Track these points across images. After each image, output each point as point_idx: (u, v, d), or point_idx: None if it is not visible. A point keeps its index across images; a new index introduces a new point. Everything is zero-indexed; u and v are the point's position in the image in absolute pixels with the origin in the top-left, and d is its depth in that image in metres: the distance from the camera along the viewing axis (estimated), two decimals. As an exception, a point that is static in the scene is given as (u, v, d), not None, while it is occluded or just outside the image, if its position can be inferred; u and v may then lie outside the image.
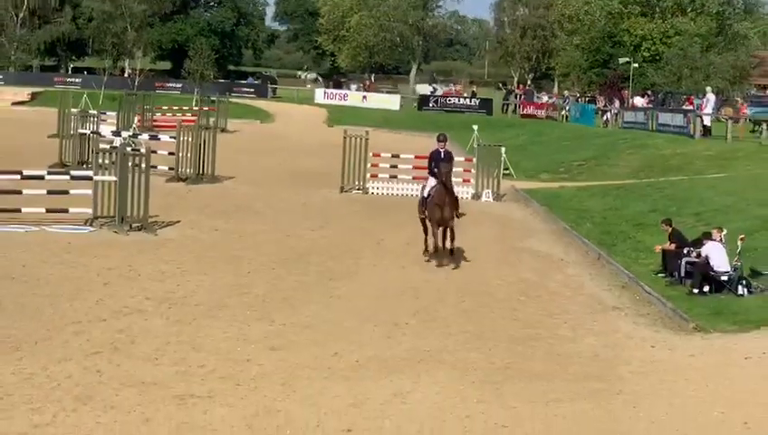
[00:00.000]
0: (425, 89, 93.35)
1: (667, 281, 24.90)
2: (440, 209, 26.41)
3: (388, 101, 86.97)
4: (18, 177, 28.78)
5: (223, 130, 58.73)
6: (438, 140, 28.03)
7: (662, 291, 24.01)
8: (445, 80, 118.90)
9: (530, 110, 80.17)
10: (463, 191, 39.70)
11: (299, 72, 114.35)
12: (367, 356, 18.50)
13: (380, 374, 17.49)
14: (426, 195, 27.07)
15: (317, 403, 15.85)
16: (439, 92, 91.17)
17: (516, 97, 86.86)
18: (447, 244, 26.95)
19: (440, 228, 26.61)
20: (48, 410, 14.75)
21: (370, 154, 40.11)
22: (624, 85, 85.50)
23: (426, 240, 27.23)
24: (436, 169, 27.14)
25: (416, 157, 40.75)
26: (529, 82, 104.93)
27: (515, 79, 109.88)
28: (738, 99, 67.45)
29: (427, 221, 26.98)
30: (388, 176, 40.21)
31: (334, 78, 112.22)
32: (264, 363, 17.59)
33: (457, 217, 27.19)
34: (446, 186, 26.60)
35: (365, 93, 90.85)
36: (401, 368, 17.90)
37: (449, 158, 27.49)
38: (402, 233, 30.79)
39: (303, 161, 49.95)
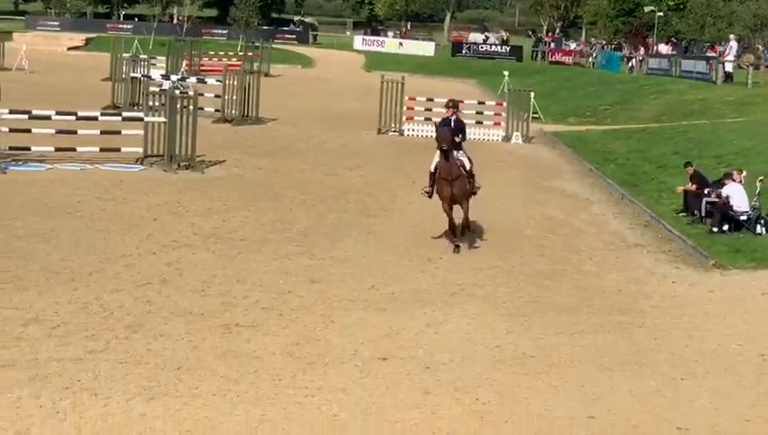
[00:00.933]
0: (477, 37, 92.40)
1: (688, 220, 24.75)
2: (449, 185, 21.65)
3: (423, 48, 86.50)
4: (73, 118, 28.81)
5: (266, 75, 58.61)
6: (447, 107, 22.57)
7: (683, 229, 23.88)
8: (490, 29, 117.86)
9: (558, 57, 79.59)
10: (493, 134, 39.56)
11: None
12: (401, 289, 18.51)
13: (414, 306, 17.51)
14: (432, 169, 22.24)
15: (354, 333, 15.88)
16: (492, 40, 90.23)
17: (545, 44, 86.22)
18: (464, 223, 22.35)
19: (453, 206, 21.92)
20: (102, 338, 14.84)
21: (406, 98, 39.93)
22: (649, 33, 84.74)
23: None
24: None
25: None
26: (558, 30, 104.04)
27: (544, 27, 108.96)
28: (759, 46, 66.56)
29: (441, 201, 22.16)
30: (423, 118, 40.02)
31: (372, 25, 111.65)
32: (305, 295, 17.63)
33: (474, 193, 22.26)
34: (447, 157, 21.65)
35: (401, 40, 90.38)
36: (434, 300, 17.91)
37: (459, 128, 22.14)
38: (436, 173, 30.70)
39: (342, 104, 49.83)
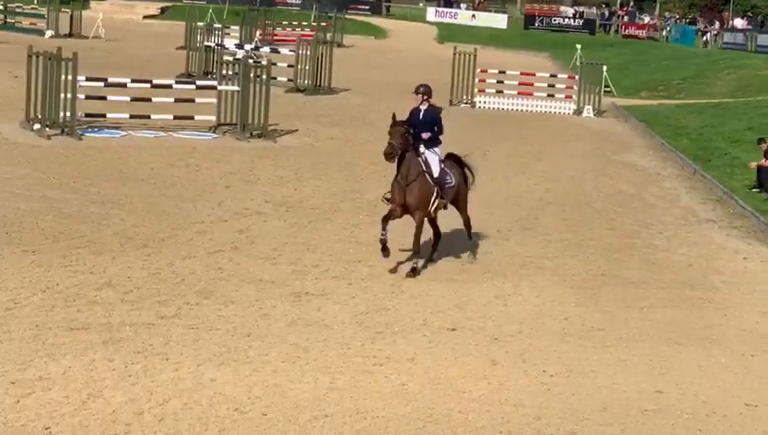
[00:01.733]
0: (567, 11, 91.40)
1: (764, 196, 24.42)
2: (401, 190, 17.18)
3: (495, 20, 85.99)
4: (148, 85, 29.01)
5: (339, 45, 58.57)
6: (416, 92, 17.97)
7: (756, 205, 23.60)
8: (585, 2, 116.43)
9: (631, 30, 78.81)
10: (565, 107, 39.28)
11: None
12: (471, 260, 18.47)
13: (483, 278, 17.47)
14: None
15: (424, 303, 15.88)
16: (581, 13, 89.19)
17: (619, 18, 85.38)
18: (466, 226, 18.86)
19: (402, 215, 17.42)
20: (173, 303, 14.95)
21: (478, 70, 39.76)
22: (724, 7, 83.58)
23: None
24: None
25: (521, 73, 40.40)
26: (631, 3, 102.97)
27: (618, 0, 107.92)
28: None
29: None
30: (494, 91, 39.85)
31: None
32: (374, 265, 17.63)
33: (442, 207, 17.90)
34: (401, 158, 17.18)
35: (474, 12, 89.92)
36: (503, 272, 17.86)
37: (428, 121, 17.56)
38: (506, 145, 30.60)
39: (414, 75, 49.63)
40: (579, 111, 39.26)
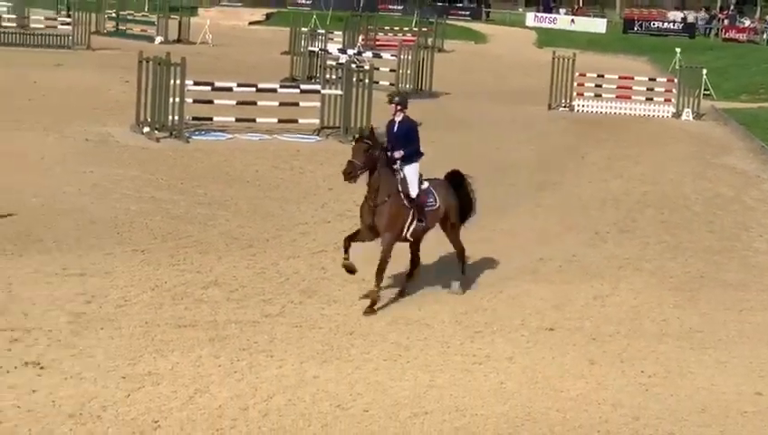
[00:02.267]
0: (676, 15, 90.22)
1: None
2: (370, 211, 15.27)
3: (594, 25, 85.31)
4: (254, 89, 29.26)
5: (440, 50, 58.52)
6: (390, 102, 15.64)
7: None
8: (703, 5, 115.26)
9: (732, 33, 77.71)
10: (664, 110, 38.83)
11: None
12: (569, 262, 18.36)
13: (581, 279, 17.36)
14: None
15: (522, 304, 15.83)
16: (691, 19, 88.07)
17: (719, 21, 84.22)
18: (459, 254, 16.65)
19: (361, 240, 15.55)
20: (278, 302, 15.07)
21: (577, 74, 39.47)
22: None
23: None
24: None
25: (620, 77, 40.01)
26: (732, 7, 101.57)
27: (718, 3, 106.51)
28: None
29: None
30: (593, 94, 39.52)
31: (545, 2, 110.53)
32: (474, 266, 17.59)
33: (421, 231, 15.85)
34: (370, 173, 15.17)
35: (573, 17, 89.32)
36: (601, 273, 17.73)
37: (403, 135, 15.43)
38: (604, 148, 30.33)
39: (513, 80, 49.50)
40: (678, 115, 38.76)
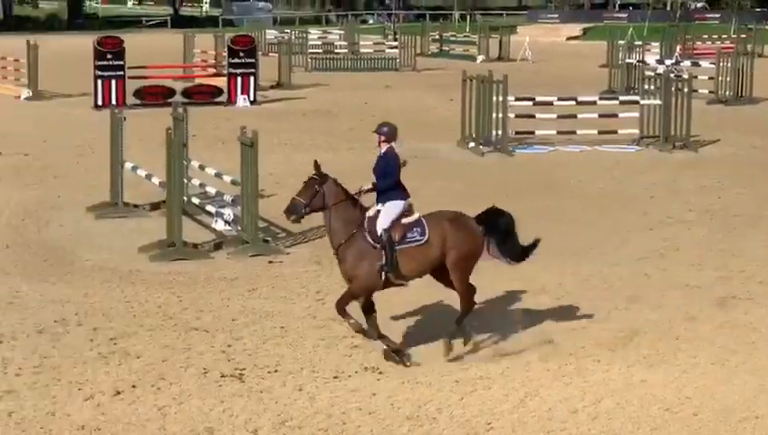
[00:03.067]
0: None
1: None
2: (336, 256, 12.84)
3: None
4: (573, 102, 29.22)
5: (760, 56, 56.64)
6: (375, 132, 13.37)
7: None
8: None
9: None
10: None
11: None
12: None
13: None
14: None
15: None
16: None
17: None
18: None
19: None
20: (602, 308, 14.94)
21: None
22: None
23: None
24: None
25: None
26: None
27: None
28: None
29: None
30: None
31: None
32: (802, 270, 16.93)
33: (394, 282, 12.77)
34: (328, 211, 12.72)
35: None
36: None
37: (383, 168, 12.92)
38: None
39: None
40: None
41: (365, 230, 12.57)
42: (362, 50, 57.61)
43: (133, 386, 11.81)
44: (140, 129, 26.16)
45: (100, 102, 35.55)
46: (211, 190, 19.42)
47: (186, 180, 19.49)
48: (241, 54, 37.85)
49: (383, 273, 12.54)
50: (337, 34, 66.87)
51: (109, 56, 36.08)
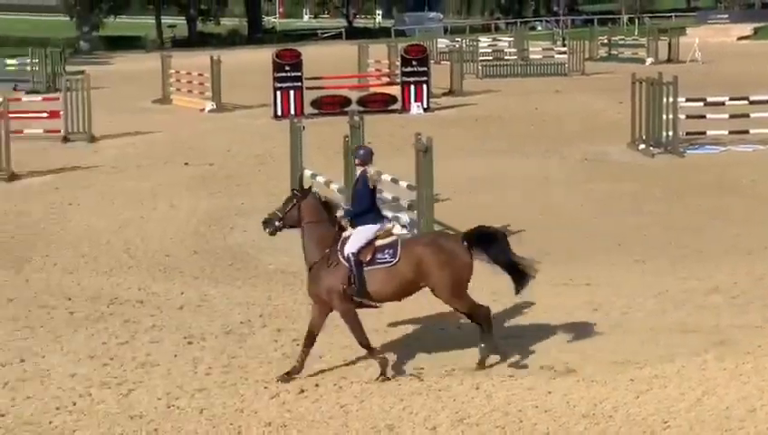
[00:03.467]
0: None
1: None
2: (308, 272, 12.55)
3: None
4: (746, 102, 28.54)
5: None
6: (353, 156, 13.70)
7: None
8: None
9: None
10: None
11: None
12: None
13: None
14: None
15: None
16: None
17: None
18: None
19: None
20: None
21: None
22: None
23: None
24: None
25: None
26: None
27: None
28: None
29: None
30: None
31: None
32: None
33: (356, 297, 12.27)
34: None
35: None
36: None
37: (356, 190, 12.72)
38: None
39: None
40: None
41: (338, 251, 12.24)
42: (531, 56, 57.29)
43: (316, 385, 12.01)
44: (318, 137, 26.54)
45: (279, 113, 36.15)
46: (387, 196, 19.61)
47: (362, 186, 19.69)
48: (414, 63, 38.01)
49: (350, 295, 12.18)
50: (506, 41, 66.69)
51: (287, 68, 36.71)
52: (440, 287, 12.24)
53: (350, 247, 12.19)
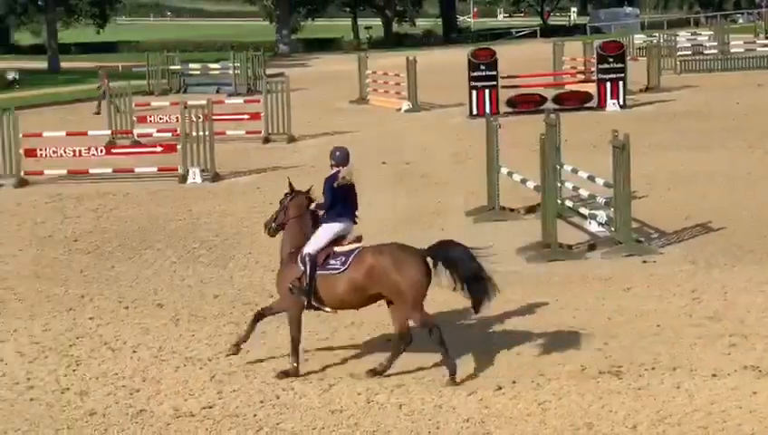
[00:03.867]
0: None
1: None
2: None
3: None
4: None
5: None
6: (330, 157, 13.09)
7: None
8: None
9: None
10: None
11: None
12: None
13: None
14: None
15: None
16: None
17: None
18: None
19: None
20: None
21: None
22: None
23: None
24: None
25: None
26: None
27: None
28: None
29: None
30: None
31: None
32: None
33: (304, 300, 12.38)
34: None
35: None
36: None
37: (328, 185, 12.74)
38: None
39: None
40: None
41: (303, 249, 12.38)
42: (733, 50, 55.79)
43: (513, 382, 11.98)
44: (514, 135, 26.45)
45: (474, 111, 36.23)
46: (584, 193, 19.42)
47: (559, 184, 19.58)
48: (610, 60, 37.53)
49: (301, 295, 12.28)
50: (706, 36, 65.10)
51: (482, 67, 36.73)
52: (393, 295, 12.11)
53: (308, 248, 12.36)
